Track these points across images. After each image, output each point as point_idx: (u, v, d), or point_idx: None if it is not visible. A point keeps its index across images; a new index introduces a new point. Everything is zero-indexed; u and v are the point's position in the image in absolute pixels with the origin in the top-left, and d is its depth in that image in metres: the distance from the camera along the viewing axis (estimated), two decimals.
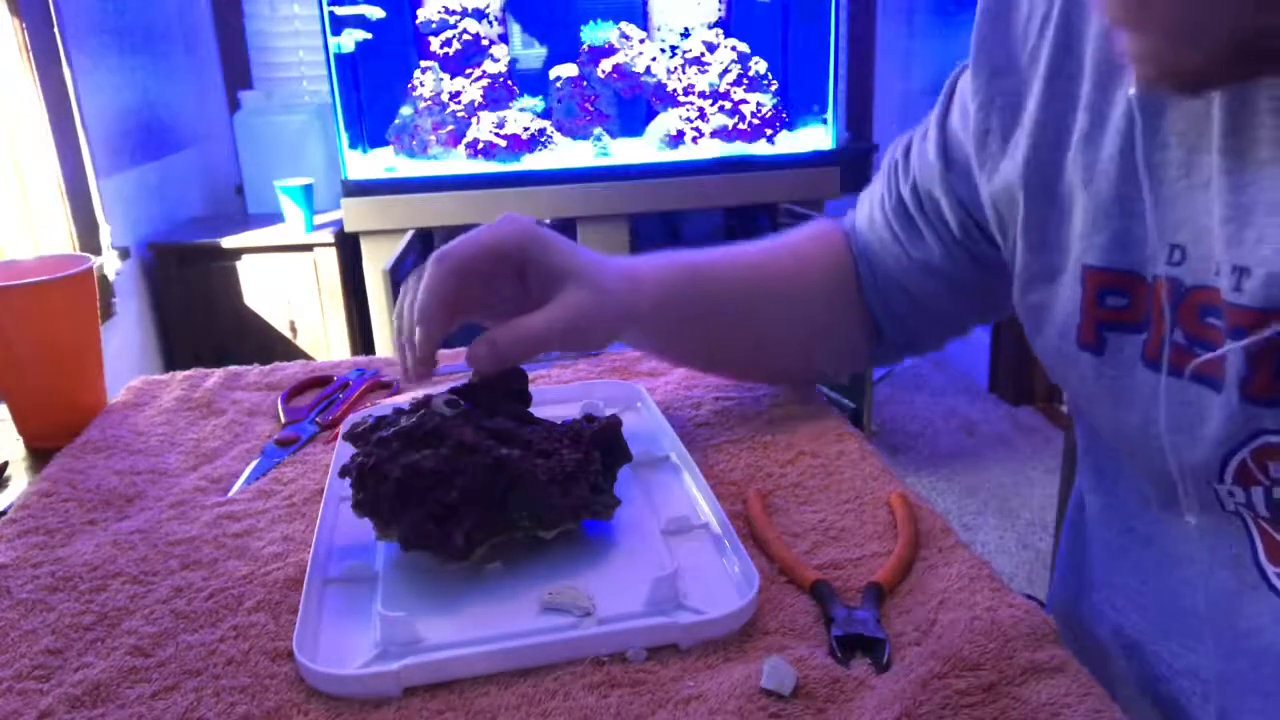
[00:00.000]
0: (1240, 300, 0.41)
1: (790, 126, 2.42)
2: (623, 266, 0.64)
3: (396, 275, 2.01)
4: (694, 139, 2.35)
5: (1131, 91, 0.46)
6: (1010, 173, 0.55)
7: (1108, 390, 0.49)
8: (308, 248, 2.35)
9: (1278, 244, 0.40)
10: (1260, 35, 0.34)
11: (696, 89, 2.34)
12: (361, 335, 2.43)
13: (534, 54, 2.34)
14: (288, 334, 2.39)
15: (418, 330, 0.57)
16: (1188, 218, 0.44)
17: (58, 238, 1.97)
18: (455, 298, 0.58)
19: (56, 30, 1.94)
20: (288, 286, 2.37)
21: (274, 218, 2.48)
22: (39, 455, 0.73)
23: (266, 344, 2.36)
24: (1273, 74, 0.39)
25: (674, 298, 0.65)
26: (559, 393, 0.73)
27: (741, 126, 2.36)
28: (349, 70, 2.21)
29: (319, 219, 2.43)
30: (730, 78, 2.34)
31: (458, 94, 2.25)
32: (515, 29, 2.33)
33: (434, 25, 2.24)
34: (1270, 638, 0.46)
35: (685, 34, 2.35)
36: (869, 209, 0.70)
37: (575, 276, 0.60)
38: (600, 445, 0.56)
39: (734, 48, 2.34)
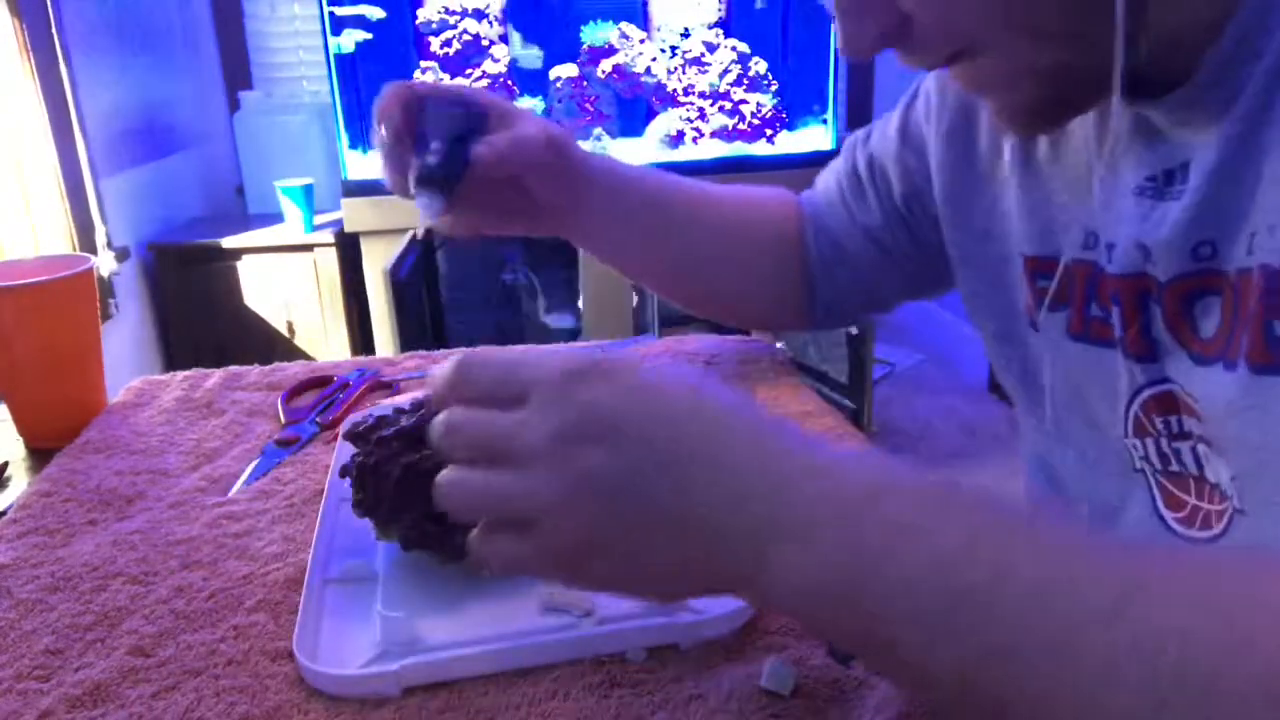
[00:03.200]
0: (1112, 269, 0.47)
1: (790, 126, 2.42)
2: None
3: (396, 275, 2.00)
4: (694, 139, 2.35)
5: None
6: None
7: (1048, 364, 0.54)
8: (308, 248, 2.35)
9: (1130, 219, 0.46)
10: (1076, 73, 0.41)
11: (696, 89, 2.34)
12: (361, 335, 2.42)
13: (534, 54, 2.34)
14: (287, 334, 2.39)
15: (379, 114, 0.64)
16: (1097, 206, 0.50)
17: (57, 238, 1.97)
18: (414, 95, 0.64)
19: (56, 30, 1.94)
20: (288, 286, 2.37)
21: (274, 218, 2.48)
22: (39, 455, 0.73)
23: (266, 344, 2.36)
24: (1101, 99, 0.45)
25: (619, 190, 0.71)
26: None
27: (741, 126, 2.36)
28: (349, 70, 2.21)
29: (319, 219, 2.43)
30: (730, 78, 2.34)
31: None
32: (515, 29, 2.33)
33: (434, 25, 2.24)
34: None
35: (685, 34, 2.35)
36: (825, 177, 0.77)
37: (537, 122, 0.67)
38: None
39: (734, 48, 2.34)
